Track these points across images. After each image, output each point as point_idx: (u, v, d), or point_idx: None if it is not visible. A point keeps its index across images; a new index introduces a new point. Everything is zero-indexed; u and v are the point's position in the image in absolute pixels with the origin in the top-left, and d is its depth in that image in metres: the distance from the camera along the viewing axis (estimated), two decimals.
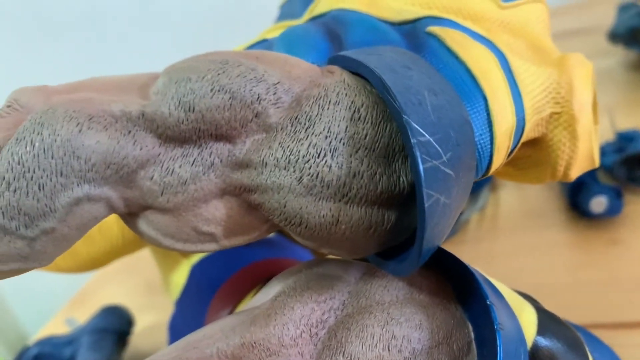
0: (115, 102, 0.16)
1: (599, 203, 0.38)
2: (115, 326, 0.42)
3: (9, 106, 0.17)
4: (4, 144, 0.16)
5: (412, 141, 0.14)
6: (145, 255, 0.58)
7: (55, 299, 0.90)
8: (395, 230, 0.17)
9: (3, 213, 0.15)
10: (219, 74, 0.15)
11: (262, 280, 0.28)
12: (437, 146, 0.15)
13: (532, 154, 0.21)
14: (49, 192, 0.15)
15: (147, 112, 0.16)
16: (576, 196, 0.43)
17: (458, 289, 0.19)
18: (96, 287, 0.57)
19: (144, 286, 0.54)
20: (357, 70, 0.16)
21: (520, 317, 0.19)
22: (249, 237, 0.17)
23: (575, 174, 0.21)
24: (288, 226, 0.16)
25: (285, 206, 0.16)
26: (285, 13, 0.25)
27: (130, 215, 0.17)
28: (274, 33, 0.22)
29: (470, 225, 0.43)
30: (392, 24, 0.20)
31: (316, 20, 0.20)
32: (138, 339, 0.46)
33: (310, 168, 0.15)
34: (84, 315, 0.53)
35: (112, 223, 0.29)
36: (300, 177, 0.15)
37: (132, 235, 0.29)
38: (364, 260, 0.20)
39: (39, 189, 0.15)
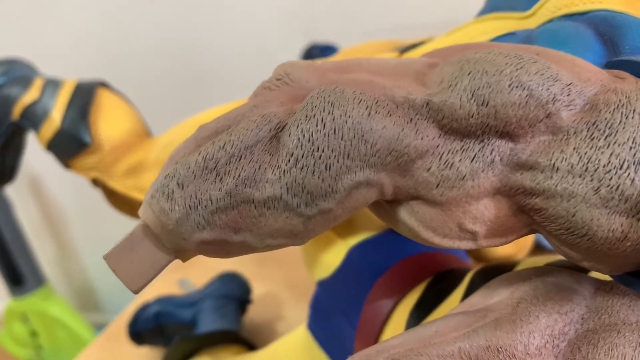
0: (397, 87, 0.16)
1: None
2: (236, 293, 0.43)
3: (278, 79, 0.17)
4: (286, 118, 0.16)
5: None
6: None
7: None
8: None
9: (288, 189, 0.15)
10: (517, 70, 0.15)
11: (426, 274, 0.28)
12: None
13: None
14: (334, 173, 0.15)
15: (434, 101, 0.15)
16: None
17: None
18: None
19: (252, 256, 0.54)
20: None
21: None
22: (506, 240, 0.17)
23: None
24: (566, 236, 0.15)
25: (574, 215, 0.15)
26: (501, 4, 0.24)
27: (391, 203, 0.17)
28: (508, 24, 0.21)
29: None
30: None
31: (575, 18, 0.19)
32: (250, 308, 0.47)
33: (610, 179, 0.14)
34: (193, 278, 0.54)
35: None
36: (598, 188, 0.15)
37: None
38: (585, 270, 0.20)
39: (326, 169, 0.15)
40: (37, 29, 0.84)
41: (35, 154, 0.64)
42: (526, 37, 0.20)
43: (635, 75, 0.16)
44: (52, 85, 0.37)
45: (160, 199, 0.15)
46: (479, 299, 0.19)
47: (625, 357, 0.16)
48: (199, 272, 0.52)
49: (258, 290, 0.49)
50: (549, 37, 0.19)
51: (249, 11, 0.74)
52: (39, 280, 0.95)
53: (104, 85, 0.39)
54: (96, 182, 0.38)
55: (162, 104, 0.79)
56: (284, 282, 0.50)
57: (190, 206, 0.15)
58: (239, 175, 0.15)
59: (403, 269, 0.28)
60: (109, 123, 0.36)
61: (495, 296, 0.19)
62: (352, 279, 0.30)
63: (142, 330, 0.43)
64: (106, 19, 0.80)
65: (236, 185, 0.15)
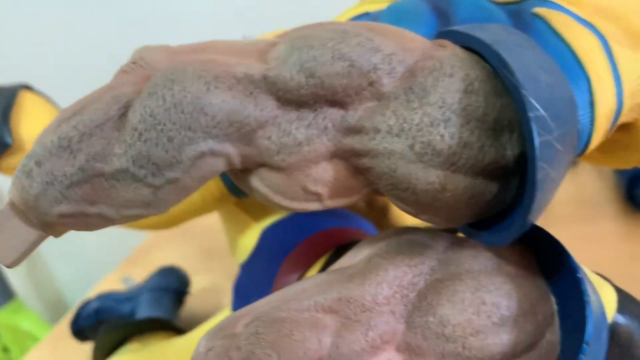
0: (238, 64, 0.17)
1: None
2: (173, 285, 0.44)
3: (133, 63, 0.18)
4: (134, 97, 0.17)
5: (529, 115, 0.15)
6: (199, 221, 0.60)
7: (91, 260, 0.93)
8: (494, 202, 0.17)
9: (134, 161, 0.16)
10: (339, 43, 0.16)
11: (330, 247, 0.29)
12: (550, 121, 0.15)
13: (620, 138, 0.21)
14: (177, 145, 0.16)
15: (269, 75, 0.17)
16: (633, 188, 0.43)
17: (541, 261, 0.19)
18: (148, 250, 0.59)
19: (198, 250, 0.56)
20: (470, 45, 0.17)
21: (600, 294, 0.20)
22: (350, 200, 0.18)
23: None
24: (394, 191, 0.17)
25: (395, 171, 0.16)
26: None
27: (243, 172, 0.18)
28: (373, 6, 0.23)
29: None
30: (497, 3, 0.20)
31: None
32: (192, 300, 0.48)
33: (423, 136, 0.16)
34: (137, 275, 0.55)
35: None
36: (412, 145, 0.16)
37: (210, 197, 0.30)
38: (450, 230, 0.21)
39: (168, 141, 0.16)
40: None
41: None
42: (374, 16, 0.21)
43: (458, 43, 0.18)
44: None
45: (21, 178, 0.17)
46: (348, 259, 0.21)
47: (464, 301, 0.18)
48: (143, 270, 0.53)
49: (201, 283, 0.50)
50: (390, 14, 0.20)
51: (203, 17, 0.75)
52: (8, 294, 0.93)
53: (27, 87, 0.40)
54: None
55: None
56: (226, 274, 0.51)
57: (47, 182, 0.16)
58: (90, 152, 0.16)
59: (309, 244, 0.30)
60: (31, 124, 0.37)
61: (360, 255, 0.20)
62: (265, 259, 0.31)
63: (84, 326, 0.43)
64: (62, 31, 0.80)
65: (87, 161, 0.16)
